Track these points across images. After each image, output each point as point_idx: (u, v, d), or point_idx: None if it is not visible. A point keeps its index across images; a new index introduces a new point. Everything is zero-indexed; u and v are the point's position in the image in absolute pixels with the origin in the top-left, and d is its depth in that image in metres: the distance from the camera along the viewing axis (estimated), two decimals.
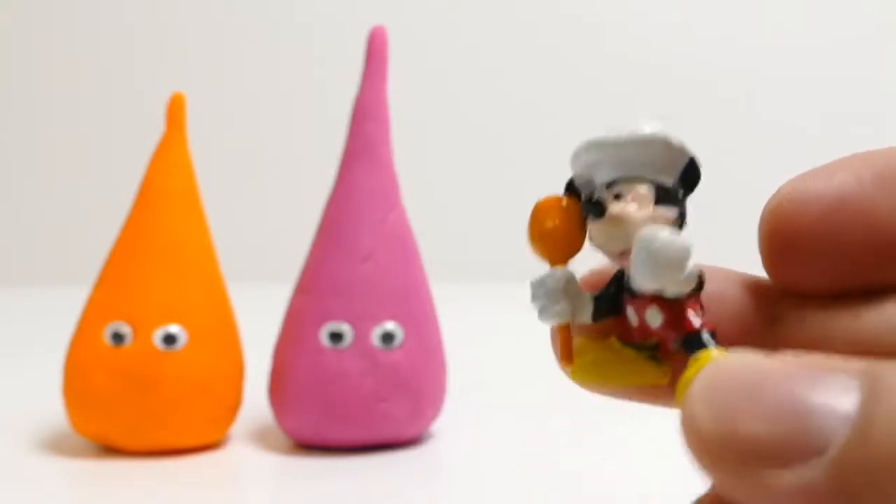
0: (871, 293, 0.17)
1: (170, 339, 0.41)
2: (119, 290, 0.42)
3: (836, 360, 0.13)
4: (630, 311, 0.17)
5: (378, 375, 0.41)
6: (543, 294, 0.17)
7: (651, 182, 0.16)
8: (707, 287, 0.17)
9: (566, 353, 0.17)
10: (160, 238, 0.42)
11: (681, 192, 0.16)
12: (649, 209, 0.16)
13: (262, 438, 0.44)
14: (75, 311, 0.45)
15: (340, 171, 0.44)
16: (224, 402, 0.42)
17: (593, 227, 0.17)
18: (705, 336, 0.16)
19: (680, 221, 0.16)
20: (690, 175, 0.16)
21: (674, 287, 0.16)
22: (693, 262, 0.16)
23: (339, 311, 0.41)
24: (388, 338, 0.41)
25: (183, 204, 0.43)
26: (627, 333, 0.17)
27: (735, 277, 0.18)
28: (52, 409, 0.48)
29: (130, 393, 0.40)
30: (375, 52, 0.44)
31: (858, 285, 0.17)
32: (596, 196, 0.16)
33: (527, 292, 0.17)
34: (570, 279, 0.17)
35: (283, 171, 1.27)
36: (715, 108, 1.26)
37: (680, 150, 0.16)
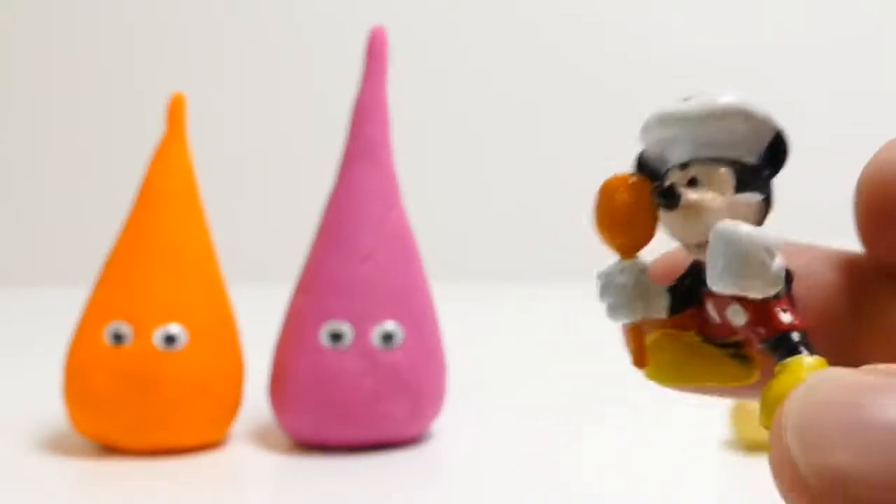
0: None
1: (170, 339, 0.41)
2: (119, 289, 0.42)
3: None
4: (710, 307, 0.15)
5: (378, 375, 0.41)
6: (614, 290, 0.15)
7: (731, 163, 0.14)
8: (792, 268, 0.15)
9: (639, 354, 0.15)
10: (160, 238, 0.42)
11: (766, 172, 0.14)
12: (728, 196, 0.14)
13: (262, 438, 0.44)
14: (75, 311, 0.45)
15: (340, 171, 0.44)
16: (224, 402, 0.42)
17: (666, 216, 0.14)
18: (795, 338, 0.14)
19: (765, 208, 0.14)
20: (777, 152, 0.14)
21: (757, 291, 0.14)
22: (780, 260, 0.14)
23: (339, 311, 0.41)
24: (388, 338, 0.41)
25: (183, 204, 0.43)
26: (708, 328, 0.15)
27: (822, 255, 0.16)
28: (52, 409, 0.48)
29: (130, 393, 0.40)
30: (375, 52, 0.44)
31: None
32: (668, 181, 0.14)
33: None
34: (643, 271, 0.15)
35: (283, 171, 1.27)
36: None
37: (764, 123, 0.14)
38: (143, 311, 0.41)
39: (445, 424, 0.46)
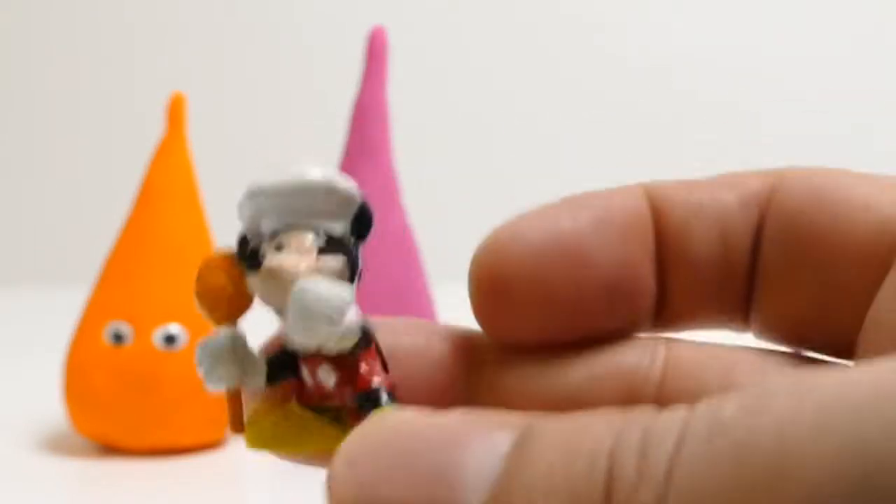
0: (584, 344, 0.16)
1: (170, 339, 0.41)
2: (119, 289, 0.42)
3: (502, 415, 0.12)
4: (304, 371, 0.15)
5: None
6: (207, 357, 0.16)
7: (316, 230, 0.15)
8: (404, 340, 0.16)
9: (236, 420, 0.16)
10: (160, 238, 0.42)
11: (352, 239, 0.15)
12: (311, 260, 0.15)
13: None
14: (75, 311, 0.45)
15: (340, 171, 0.44)
16: (224, 403, 0.42)
17: (252, 281, 0.15)
18: (380, 393, 0.15)
19: (350, 271, 0.15)
20: (362, 221, 0.15)
21: (332, 342, 0.15)
22: (354, 314, 0.15)
23: None
24: None
25: (183, 204, 0.43)
26: (306, 395, 0.16)
27: (442, 330, 0.17)
28: (52, 409, 0.48)
29: (130, 393, 0.40)
30: (375, 52, 0.44)
31: (573, 334, 0.16)
32: (256, 248, 0.15)
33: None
34: (238, 340, 0.16)
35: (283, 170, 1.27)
36: (715, 110, 1.26)
37: (349, 196, 0.15)
38: (143, 311, 0.41)
39: None
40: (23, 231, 1.28)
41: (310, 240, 0.15)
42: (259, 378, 0.16)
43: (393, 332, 0.17)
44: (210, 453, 0.42)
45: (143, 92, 1.20)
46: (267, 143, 1.27)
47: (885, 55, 1.24)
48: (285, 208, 0.15)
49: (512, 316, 0.16)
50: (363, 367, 0.15)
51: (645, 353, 0.16)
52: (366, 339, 0.15)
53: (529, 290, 0.16)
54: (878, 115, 1.20)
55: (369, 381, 0.15)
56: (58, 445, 0.43)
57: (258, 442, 0.16)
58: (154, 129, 0.47)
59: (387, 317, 0.17)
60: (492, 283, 0.16)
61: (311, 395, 0.16)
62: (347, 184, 0.15)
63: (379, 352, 0.15)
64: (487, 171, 1.26)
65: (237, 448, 0.43)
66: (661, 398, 0.16)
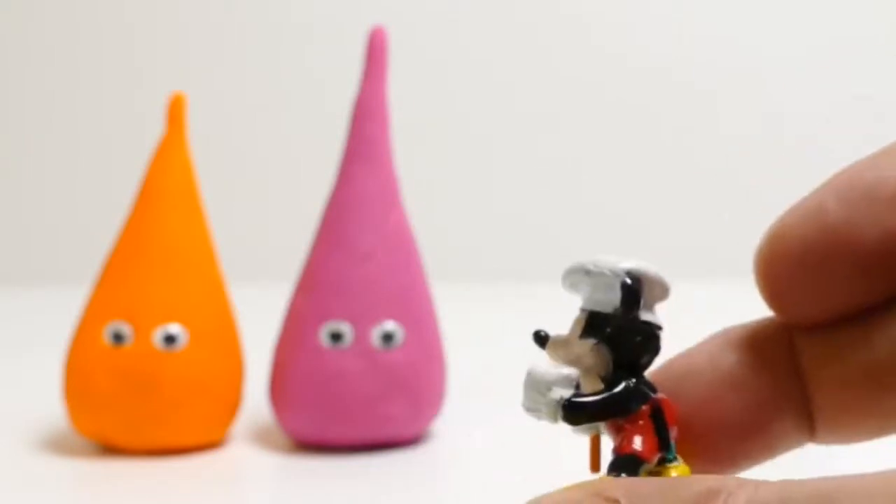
0: (877, 313, 0.17)
1: (170, 339, 0.41)
2: (119, 289, 0.42)
3: (602, 484, 0.16)
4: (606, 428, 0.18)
5: (378, 375, 0.41)
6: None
7: (587, 311, 0.18)
8: (686, 385, 0.18)
9: (595, 461, 0.19)
10: (160, 238, 0.42)
11: (616, 318, 0.17)
12: (574, 339, 0.18)
13: (262, 438, 0.44)
14: (75, 311, 0.45)
15: (340, 171, 0.44)
16: (224, 402, 0.42)
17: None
18: (626, 460, 0.17)
19: (605, 348, 0.17)
20: (628, 299, 0.17)
21: (545, 417, 0.18)
22: (559, 394, 0.17)
23: (338, 311, 0.41)
24: (388, 338, 0.41)
25: (183, 204, 0.43)
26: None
27: (715, 345, 0.19)
28: (52, 409, 0.48)
29: (130, 393, 0.40)
30: (375, 52, 0.44)
31: (861, 307, 0.17)
32: (541, 330, 0.18)
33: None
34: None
35: (283, 171, 1.27)
36: (715, 110, 1.26)
37: (612, 279, 0.17)
38: (143, 311, 0.41)
39: (445, 424, 0.46)
40: (23, 231, 1.28)
41: (580, 320, 0.18)
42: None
43: (673, 379, 0.19)
44: (210, 453, 0.42)
45: (143, 92, 1.20)
46: (267, 143, 1.27)
47: (886, 55, 1.24)
48: (586, 292, 0.18)
49: (803, 303, 0.18)
50: (620, 435, 0.18)
51: None
52: (567, 417, 0.18)
53: (813, 277, 0.17)
54: (878, 116, 1.20)
55: (619, 449, 0.18)
56: (58, 445, 0.43)
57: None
58: (154, 129, 0.47)
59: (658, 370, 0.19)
60: (776, 277, 0.18)
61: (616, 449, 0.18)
62: (615, 268, 0.18)
63: (655, 412, 0.18)
64: (487, 171, 1.26)
65: (237, 448, 0.43)
66: None
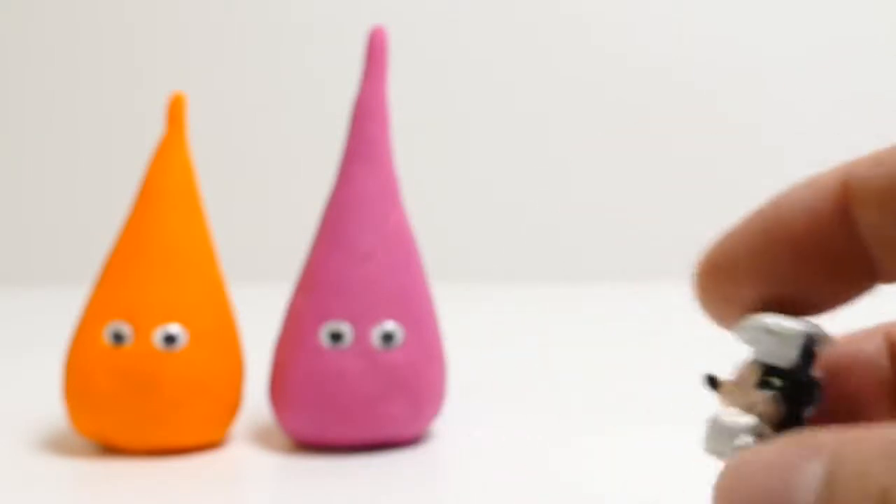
0: None
1: (170, 339, 0.41)
2: (119, 289, 0.42)
3: (811, 438, 0.16)
4: None
5: (378, 375, 0.41)
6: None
7: (759, 363, 0.19)
8: (850, 378, 0.20)
9: None
10: (160, 238, 0.42)
11: (793, 373, 0.19)
12: (747, 388, 0.19)
13: (262, 438, 0.44)
14: (75, 311, 0.45)
15: (340, 171, 0.44)
16: (224, 402, 0.42)
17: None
18: None
19: (781, 399, 0.19)
20: (808, 358, 0.19)
21: (726, 459, 0.18)
22: (744, 441, 0.19)
23: (338, 311, 0.41)
24: (388, 338, 0.41)
25: (183, 204, 0.43)
26: None
27: (868, 335, 0.20)
28: (52, 409, 0.48)
29: (130, 393, 0.40)
30: (375, 52, 0.44)
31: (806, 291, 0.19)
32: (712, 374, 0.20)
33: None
34: None
35: (283, 171, 1.27)
36: (715, 111, 1.26)
37: (797, 340, 0.19)
38: (143, 311, 0.41)
39: (445, 424, 0.46)
40: (23, 231, 1.28)
41: (752, 370, 0.19)
42: None
43: (840, 374, 0.21)
44: (210, 453, 0.42)
45: (143, 92, 1.20)
46: (267, 143, 1.27)
47: (886, 54, 1.24)
48: (757, 345, 0.19)
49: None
50: None
51: None
52: None
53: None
54: (878, 116, 1.20)
55: None
56: (58, 445, 0.43)
57: None
58: (154, 129, 0.47)
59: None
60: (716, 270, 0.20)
61: None
62: (796, 330, 0.19)
63: None
64: (487, 171, 1.26)
65: (237, 448, 0.43)
66: None
